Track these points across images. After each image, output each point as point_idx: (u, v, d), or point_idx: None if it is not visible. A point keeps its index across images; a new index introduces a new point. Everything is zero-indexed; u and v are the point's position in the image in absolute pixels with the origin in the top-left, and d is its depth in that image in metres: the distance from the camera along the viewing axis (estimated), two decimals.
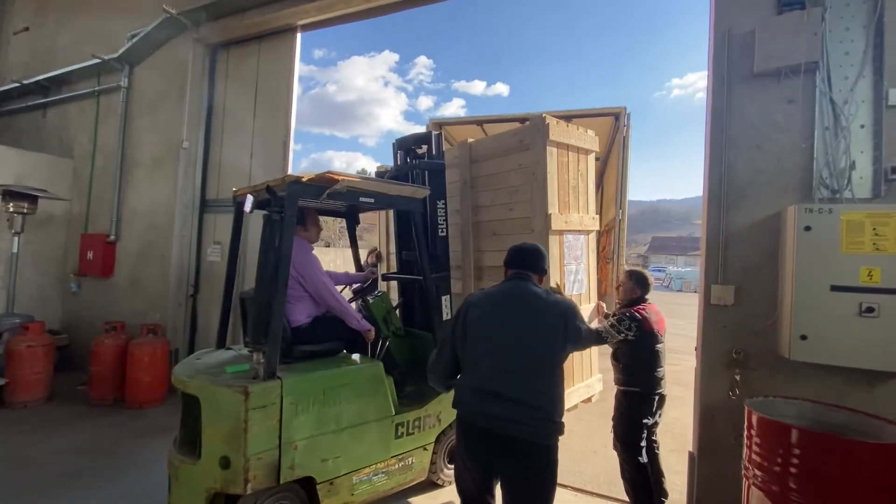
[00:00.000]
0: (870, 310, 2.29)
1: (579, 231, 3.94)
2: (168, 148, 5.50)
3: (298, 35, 5.20)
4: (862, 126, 2.55)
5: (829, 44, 2.61)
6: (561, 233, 3.66)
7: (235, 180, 5.26)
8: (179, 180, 5.40)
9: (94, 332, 5.21)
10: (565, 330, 1.93)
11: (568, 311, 1.98)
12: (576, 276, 3.87)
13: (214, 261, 5.45)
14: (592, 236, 4.24)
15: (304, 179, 2.63)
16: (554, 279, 3.58)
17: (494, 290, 2.13)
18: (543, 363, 1.89)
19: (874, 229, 2.30)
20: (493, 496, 2.04)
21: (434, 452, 3.25)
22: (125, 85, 5.79)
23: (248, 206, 2.74)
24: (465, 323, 2.02)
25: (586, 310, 4.07)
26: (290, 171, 5.10)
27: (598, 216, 4.29)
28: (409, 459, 3.06)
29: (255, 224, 4.34)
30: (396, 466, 2.99)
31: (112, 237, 5.72)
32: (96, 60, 5.77)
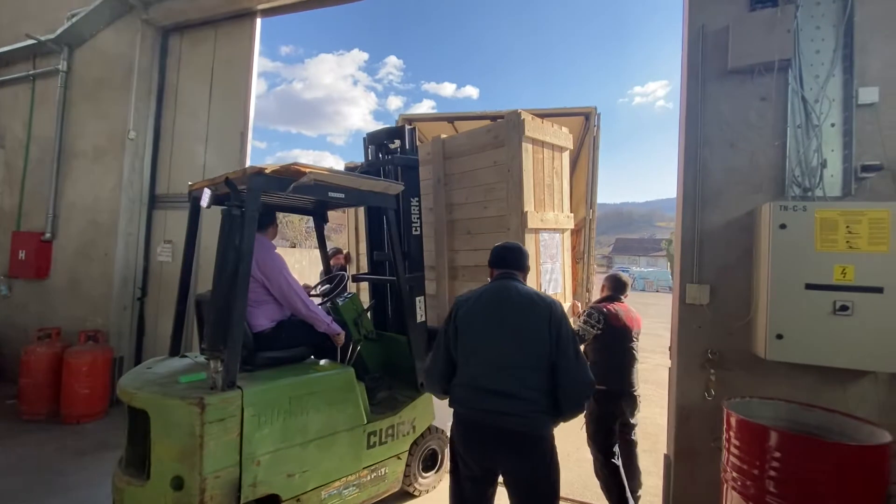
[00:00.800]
0: (843, 308, 2.31)
1: (554, 229, 3.89)
2: (112, 138, 5.05)
3: (258, 21, 4.90)
4: (833, 125, 2.59)
5: (800, 42, 2.64)
6: (537, 231, 3.60)
7: (189, 174, 4.90)
8: (125, 173, 4.96)
9: (28, 340, 4.72)
10: (549, 325, 1.94)
11: (552, 309, 1.98)
12: (551, 275, 3.82)
13: (165, 261, 5.05)
14: (567, 235, 4.21)
15: (267, 171, 2.42)
16: (531, 280, 3.51)
17: (483, 290, 2.15)
18: (535, 359, 1.91)
19: (847, 227, 2.33)
20: (488, 499, 2.06)
21: (408, 462, 3.09)
22: (64, 69, 5.28)
23: (205, 201, 2.50)
24: (457, 322, 2.05)
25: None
26: (248, 164, 4.81)
27: (572, 215, 4.26)
28: (382, 470, 2.90)
29: (209, 221, 4.03)
30: (368, 478, 2.82)
31: (48, 235, 5.20)
32: (31, 41, 5.23)
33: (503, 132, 3.51)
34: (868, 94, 2.52)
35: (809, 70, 2.64)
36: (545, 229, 3.72)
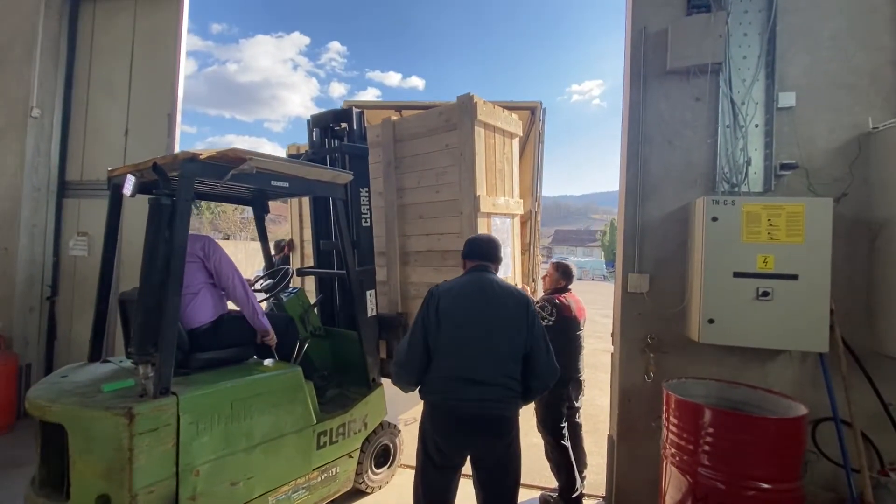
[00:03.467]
0: (765, 294, 2.53)
1: (506, 214, 3.94)
2: (11, 117, 4.42)
3: None
4: (756, 126, 2.81)
5: (730, 47, 2.83)
6: (489, 215, 3.62)
7: (107, 159, 4.42)
8: (28, 157, 4.38)
9: None
10: (527, 318, 2.10)
11: (529, 302, 2.16)
12: (503, 258, 3.87)
13: (80, 255, 4.54)
14: (517, 220, 4.27)
15: (201, 157, 2.22)
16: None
17: (461, 282, 2.20)
18: (513, 349, 2.05)
19: (769, 220, 2.54)
20: (456, 486, 2.14)
21: (360, 459, 3.02)
22: None
23: (128, 189, 2.26)
24: (438, 314, 2.07)
25: None
26: (177, 150, 4.42)
27: (521, 200, 4.33)
28: (333, 470, 2.81)
29: (132, 211, 3.67)
30: (319, 479, 2.72)
31: None
32: None
33: (455, 115, 3.48)
34: (786, 99, 2.75)
35: (737, 74, 2.83)
36: (497, 214, 3.76)
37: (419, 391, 2.14)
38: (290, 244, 5.22)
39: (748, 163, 2.79)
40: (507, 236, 3.98)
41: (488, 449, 2.04)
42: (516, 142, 4.18)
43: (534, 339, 2.08)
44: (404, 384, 2.17)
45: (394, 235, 3.90)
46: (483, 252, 2.29)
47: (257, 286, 3.29)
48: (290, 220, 5.40)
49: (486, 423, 2.01)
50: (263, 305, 3.13)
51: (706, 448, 2.18)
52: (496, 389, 2.01)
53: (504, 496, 2.08)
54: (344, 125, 3.45)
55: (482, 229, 3.52)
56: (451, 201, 3.55)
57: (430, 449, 2.08)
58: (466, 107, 3.41)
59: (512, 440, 2.07)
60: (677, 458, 2.31)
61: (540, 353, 2.08)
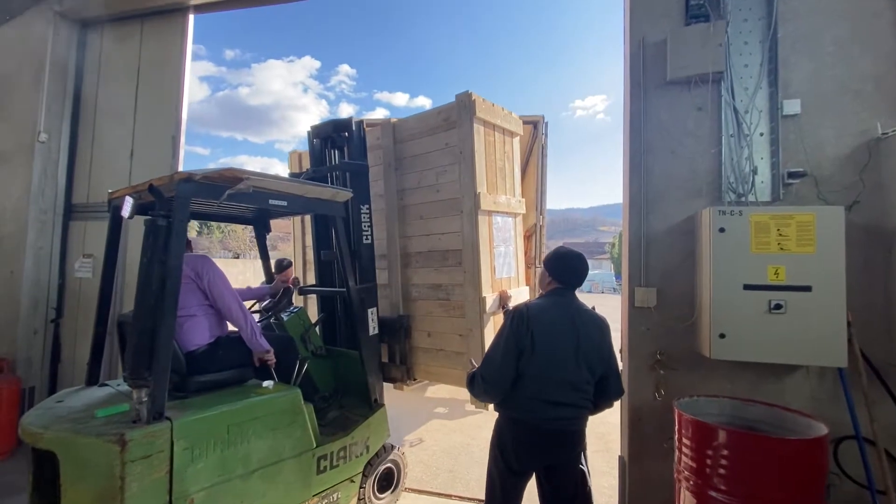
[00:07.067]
0: (778, 307, 2.44)
1: (507, 213, 3.90)
2: (19, 141, 4.50)
3: (191, 17, 4.57)
4: (761, 134, 2.75)
5: (731, 56, 2.79)
6: (490, 213, 3.58)
7: (112, 182, 4.45)
8: (35, 180, 4.43)
9: None
10: (607, 346, 2.25)
11: (609, 330, 2.30)
12: (505, 258, 3.81)
13: (85, 277, 4.55)
14: (519, 220, 4.23)
15: (197, 177, 2.20)
16: (485, 263, 3.48)
17: (551, 308, 2.24)
18: (592, 374, 2.19)
19: (778, 230, 2.47)
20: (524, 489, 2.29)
21: (362, 483, 2.93)
22: None
23: (126, 211, 2.25)
24: (533, 340, 2.14)
25: (519, 293, 4.06)
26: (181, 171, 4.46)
27: (523, 200, 4.28)
28: (334, 495, 2.72)
29: (137, 233, 3.68)
30: None
31: None
32: None
33: (454, 114, 3.47)
34: (791, 106, 2.70)
35: (739, 82, 2.79)
36: (498, 212, 3.72)
37: (496, 405, 2.26)
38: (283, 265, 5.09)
39: (754, 171, 2.73)
40: (509, 235, 3.93)
41: (562, 457, 2.22)
42: (517, 140, 4.16)
43: (611, 365, 2.24)
44: (489, 398, 2.27)
45: (394, 237, 3.89)
46: (572, 280, 2.31)
47: (256, 307, 3.26)
48: (292, 230, 5.39)
49: (563, 437, 2.19)
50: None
51: (721, 471, 2.07)
52: (573, 409, 2.17)
53: (576, 485, 2.24)
54: (345, 134, 3.45)
55: (483, 228, 3.47)
56: (451, 200, 3.53)
57: (508, 458, 2.21)
58: (465, 104, 3.40)
59: (581, 449, 2.28)
60: (691, 482, 2.20)
61: (613, 376, 2.24)
